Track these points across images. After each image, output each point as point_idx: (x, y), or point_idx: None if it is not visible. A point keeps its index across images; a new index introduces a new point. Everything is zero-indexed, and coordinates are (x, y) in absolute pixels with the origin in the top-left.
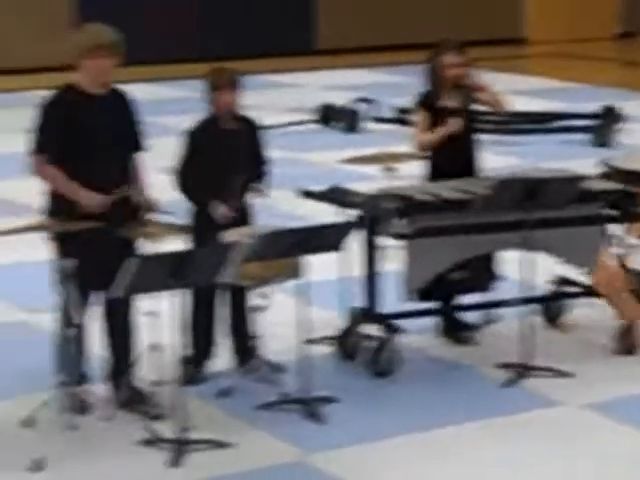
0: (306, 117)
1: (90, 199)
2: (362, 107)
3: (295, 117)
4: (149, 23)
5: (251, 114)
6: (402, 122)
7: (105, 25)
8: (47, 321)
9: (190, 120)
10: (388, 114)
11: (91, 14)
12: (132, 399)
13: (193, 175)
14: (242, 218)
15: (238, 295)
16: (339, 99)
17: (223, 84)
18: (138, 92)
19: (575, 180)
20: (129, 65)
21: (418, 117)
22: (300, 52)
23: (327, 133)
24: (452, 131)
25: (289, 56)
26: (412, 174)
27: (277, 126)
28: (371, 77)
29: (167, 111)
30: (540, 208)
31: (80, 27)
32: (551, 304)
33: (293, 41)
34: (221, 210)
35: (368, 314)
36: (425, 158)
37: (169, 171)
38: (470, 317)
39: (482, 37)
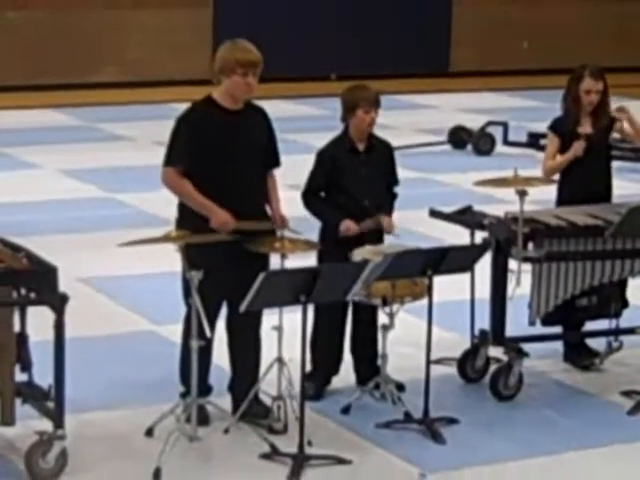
0: (439, 139)
1: (219, 217)
2: (495, 130)
3: (428, 138)
4: (286, 40)
5: (385, 134)
6: (535, 146)
7: (248, 42)
8: (175, 332)
9: (323, 138)
10: (521, 138)
11: (230, 30)
12: (254, 412)
13: (324, 194)
14: (373, 237)
15: (365, 313)
16: (472, 122)
17: (365, 102)
18: (270, 108)
19: None
20: (266, 82)
21: (549, 142)
22: (436, 74)
23: (459, 155)
24: (576, 155)
25: (424, 77)
26: (543, 198)
27: (410, 146)
28: (506, 101)
29: (299, 128)
30: None
31: (223, 43)
32: None
33: (429, 63)
34: (346, 225)
35: (494, 336)
36: (555, 182)
37: (300, 188)
38: (595, 343)
39: (629, 64)
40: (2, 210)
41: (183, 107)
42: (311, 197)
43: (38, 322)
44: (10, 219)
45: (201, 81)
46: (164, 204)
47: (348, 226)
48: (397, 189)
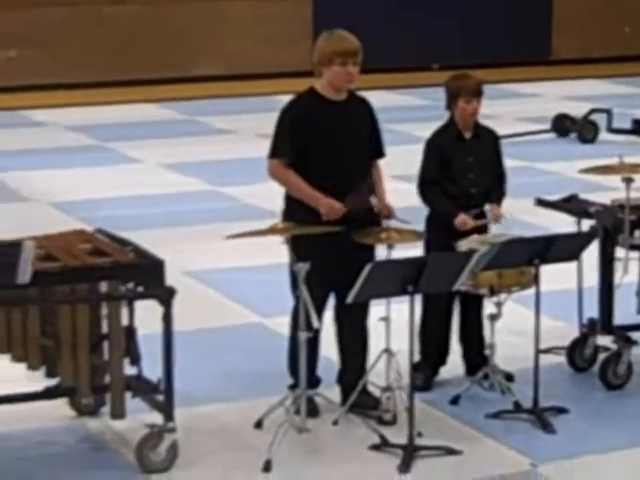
0: (542, 127)
1: (330, 208)
2: (599, 118)
3: (531, 127)
4: (388, 31)
5: (488, 123)
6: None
7: (348, 32)
8: (282, 324)
9: (426, 128)
10: (625, 125)
11: (331, 21)
12: (363, 403)
13: (435, 183)
14: (479, 226)
15: (472, 303)
16: (576, 109)
17: (466, 91)
18: (373, 99)
19: None
20: (368, 73)
21: None
22: (538, 62)
23: (563, 143)
24: None
25: (526, 65)
26: None
27: (513, 135)
28: (609, 88)
29: (403, 119)
30: None
31: (323, 34)
32: None
33: (531, 51)
34: (462, 219)
35: (603, 325)
36: None
37: (404, 179)
38: None
39: None
40: (108, 204)
41: (284, 99)
42: (427, 188)
43: (146, 315)
44: (116, 213)
45: (302, 73)
46: (268, 196)
47: (464, 220)
48: (503, 178)
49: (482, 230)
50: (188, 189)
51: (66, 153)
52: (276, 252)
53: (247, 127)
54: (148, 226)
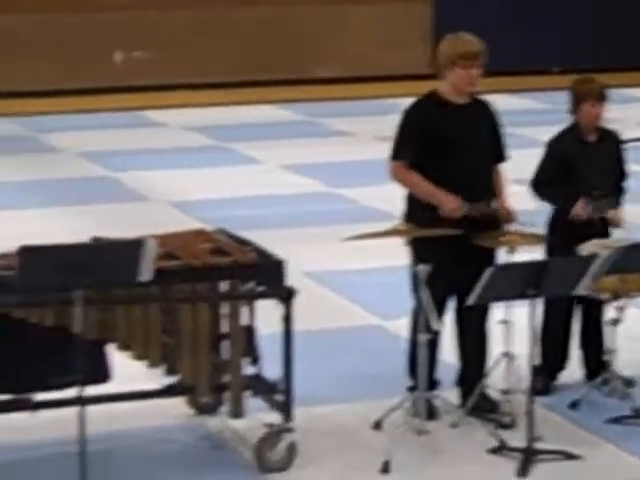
0: None
1: (451, 203)
2: None
3: None
4: (507, 34)
5: (612, 127)
6: None
7: (471, 34)
8: (400, 327)
9: (546, 132)
10: None
11: (451, 24)
12: (482, 406)
13: (549, 184)
14: (602, 230)
15: (593, 308)
16: None
17: (591, 95)
18: (497, 102)
19: None
20: (489, 75)
21: None
22: None
23: None
24: None
25: None
26: None
27: (637, 140)
28: None
29: (523, 122)
30: None
31: (447, 36)
32: None
33: None
34: (580, 206)
35: None
36: None
37: (525, 183)
38: None
39: None
40: (226, 205)
41: (403, 102)
42: (541, 188)
43: (266, 315)
44: (234, 213)
45: (421, 76)
46: (386, 199)
47: (582, 206)
48: (625, 183)
49: (603, 234)
50: (306, 190)
51: (185, 153)
52: (395, 254)
53: (366, 129)
54: (266, 227)
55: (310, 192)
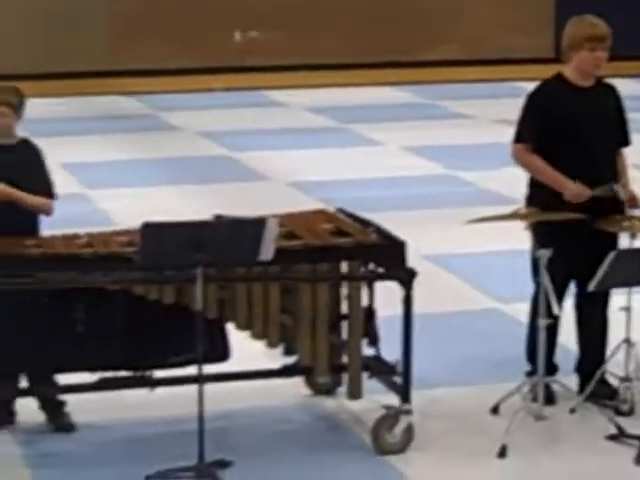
0: None
1: (576, 192)
2: None
3: None
4: (628, 19)
5: None
6: None
7: (597, 17)
8: (520, 311)
9: None
10: None
11: (573, 7)
12: (601, 393)
13: None
14: None
15: None
16: None
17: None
18: (622, 87)
19: None
20: (613, 60)
21: None
22: None
23: None
24: None
25: None
26: None
27: None
28: None
29: None
30: None
31: (573, 19)
32: None
33: None
34: None
35: None
36: None
37: None
38: None
39: None
40: (346, 186)
41: (524, 85)
42: None
43: (385, 297)
44: (354, 195)
45: (543, 59)
46: (507, 182)
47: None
48: None
49: None
50: (426, 173)
51: (305, 134)
52: (516, 238)
53: (486, 112)
54: (385, 208)
55: (429, 174)
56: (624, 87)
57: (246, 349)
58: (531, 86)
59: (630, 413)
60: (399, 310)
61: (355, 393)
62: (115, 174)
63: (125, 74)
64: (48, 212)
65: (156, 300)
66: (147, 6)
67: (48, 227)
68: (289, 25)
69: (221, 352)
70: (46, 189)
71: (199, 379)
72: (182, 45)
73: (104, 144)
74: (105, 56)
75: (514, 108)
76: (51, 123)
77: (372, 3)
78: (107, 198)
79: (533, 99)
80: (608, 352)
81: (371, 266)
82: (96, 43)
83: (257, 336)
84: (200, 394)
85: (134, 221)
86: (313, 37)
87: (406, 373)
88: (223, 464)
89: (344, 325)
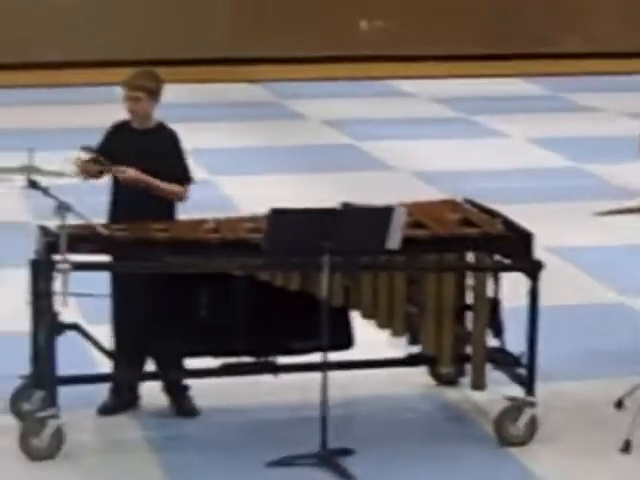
0: None
1: None
2: None
3: None
4: None
5: None
6: None
7: None
8: None
9: None
10: None
11: None
12: None
13: None
14: None
15: None
16: None
17: None
18: None
19: None
20: None
21: None
22: None
23: None
24: None
25: None
26: None
27: None
28: None
29: None
30: None
31: None
32: None
33: None
34: None
35: None
36: None
37: None
38: None
39: None
40: (472, 177)
41: None
42: None
43: (509, 288)
44: (480, 186)
45: None
46: (634, 176)
47: None
48: None
49: None
50: (552, 165)
51: (431, 124)
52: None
53: (612, 105)
54: (511, 200)
55: (556, 167)
56: None
57: (371, 337)
58: None
59: None
60: (523, 302)
61: (479, 384)
62: (240, 161)
63: (251, 62)
64: (182, 199)
65: (281, 287)
66: None
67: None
68: (416, 15)
69: (345, 340)
70: (181, 174)
71: (323, 366)
72: (308, 33)
73: (230, 131)
74: (231, 44)
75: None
76: (178, 109)
77: None
78: (232, 184)
79: None
80: None
81: (497, 257)
82: (222, 31)
83: (382, 325)
84: (324, 381)
85: (258, 208)
86: (440, 28)
87: (531, 365)
88: (345, 452)
89: (469, 316)
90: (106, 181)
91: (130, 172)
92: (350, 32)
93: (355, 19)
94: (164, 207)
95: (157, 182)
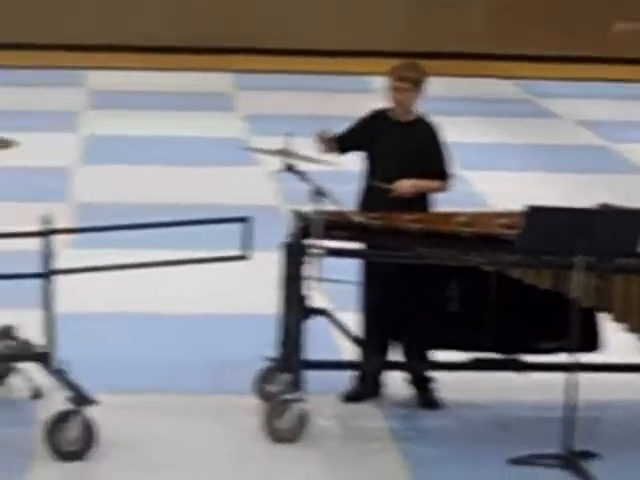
0: None
1: None
2: None
3: None
4: None
5: None
6: None
7: None
8: None
9: None
10: None
11: None
12: None
13: None
14: None
15: None
16: None
17: None
18: None
19: None
20: None
21: None
22: None
23: None
24: None
25: None
26: None
27: None
28: None
29: None
30: None
31: None
32: None
33: None
34: None
35: None
36: None
37: None
38: None
39: None
40: None
41: None
42: None
43: None
44: None
45: None
46: None
47: None
48: None
49: None
50: None
51: None
52: None
53: None
54: None
55: None
56: None
57: (617, 341)
58: None
59: None
60: None
61: None
62: (491, 157)
63: (505, 58)
64: (444, 192)
65: (531, 284)
66: None
67: None
68: None
69: (593, 342)
70: (441, 167)
71: (570, 367)
72: (560, 33)
73: (480, 126)
74: (485, 39)
75: None
76: (434, 103)
77: None
78: (483, 180)
79: None
80: None
81: None
82: (477, 26)
83: (633, 329)
84: (570, 382)
85: (509, 205)
86: None
87: None
88: (589, 455)
89: None
90: (350, 171)
91: (403, 187)
92: (604, 33)
93: (610, 20)
94: (419, 198)
95: (426, 185)
